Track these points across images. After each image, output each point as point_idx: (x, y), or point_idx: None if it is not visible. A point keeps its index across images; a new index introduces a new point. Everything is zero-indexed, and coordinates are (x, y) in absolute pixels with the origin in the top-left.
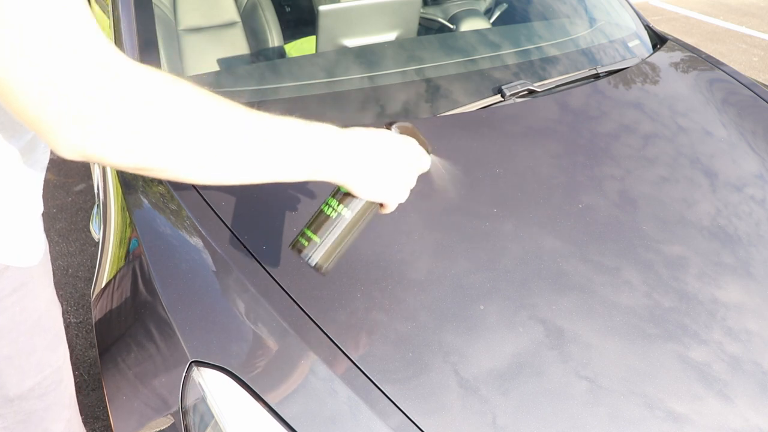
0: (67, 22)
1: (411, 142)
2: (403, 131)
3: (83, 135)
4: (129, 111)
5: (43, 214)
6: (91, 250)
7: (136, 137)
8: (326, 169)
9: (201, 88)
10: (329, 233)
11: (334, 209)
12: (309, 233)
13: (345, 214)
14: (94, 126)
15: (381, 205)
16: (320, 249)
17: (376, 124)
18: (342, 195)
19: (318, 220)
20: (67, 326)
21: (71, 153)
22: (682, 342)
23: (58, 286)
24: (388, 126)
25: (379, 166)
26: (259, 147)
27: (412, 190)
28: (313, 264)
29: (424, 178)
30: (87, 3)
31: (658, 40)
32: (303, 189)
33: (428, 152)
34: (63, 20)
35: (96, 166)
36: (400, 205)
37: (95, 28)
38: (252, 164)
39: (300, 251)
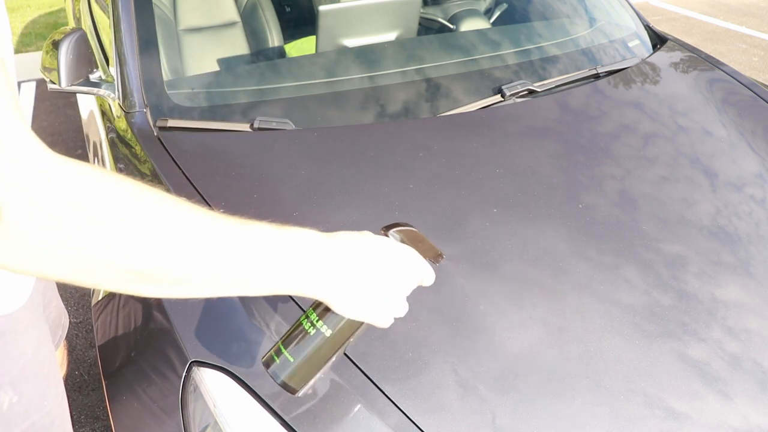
0: None
1: (411, 254)
2: (405, 237)
3: None
4: (46, 213)
5: None
6: None
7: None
8: (303, 285)
9: (145, 186)
10: (305, 352)
11: (313, 325)
12: (282, 349)
13: (325, 333)
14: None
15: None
16: (292, 369)
17: (376, 125)
18: (323, 309)
19: (294, 335)
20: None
21: None
22: (682, 340)
23: (59, 285)
24: (386, 230)
25: (368, 283)
26: (213, 259)
27: (409, 188)
28: (280, 383)
29: (427, 179)
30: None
31: (658, 40)
32: (303, 189)
33: (437, 260)
34: None
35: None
36: (401, 205)
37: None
38: (202, 278)
39: (268, 366)
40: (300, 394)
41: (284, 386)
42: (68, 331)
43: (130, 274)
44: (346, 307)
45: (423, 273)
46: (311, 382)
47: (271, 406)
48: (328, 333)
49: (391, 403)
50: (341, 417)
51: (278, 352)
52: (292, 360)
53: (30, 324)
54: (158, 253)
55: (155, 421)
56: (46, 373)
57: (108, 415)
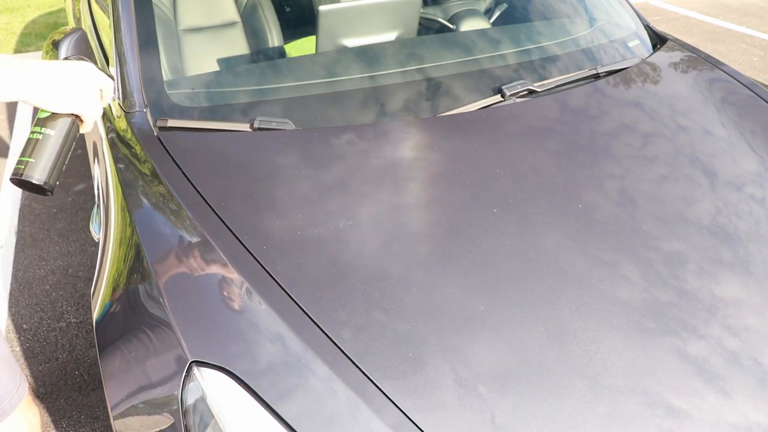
0: None
1: (87, 64)
2: (80, 59)
3: None
4: None
5: (42, 214)
6: (91, 250)
7: None
8: (14, 92)
9: None
10: (40, 153)
11: (38, 132)
12: (23, 159)
13: (48, 133)
14: None
15: (79, 120)
16: (37, 167)
17: (376, 125)
18: (42, 120)
19: (28, 146)
20: (67, 326)
21: None
22: (681, 338)
23: (59, 285)
24: (66, 58)
25: (60, 84)
26: None
27: (409, 188)
28: (35, 181)
29: (421, 179)
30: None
31: (658, 40)
32: (303, 190)
33: (111, 78)
34: None
35: (96, 166)
36: (401, 205)
37: None
38: None
39: (21, 175)
40: (49, 187)
41: (43, 185)
42: (68, 331)
43: None
44: (51, 103)
45: (100, 79)
46: (54, 176)
47: (271, 406)
48: (50, 133)
49: (391, 403)
50: (341, 416)
51: (21, 162)
52: (33, 161)
53: None
54: None
55: (155, 421)
56: None
57: (108, 415)
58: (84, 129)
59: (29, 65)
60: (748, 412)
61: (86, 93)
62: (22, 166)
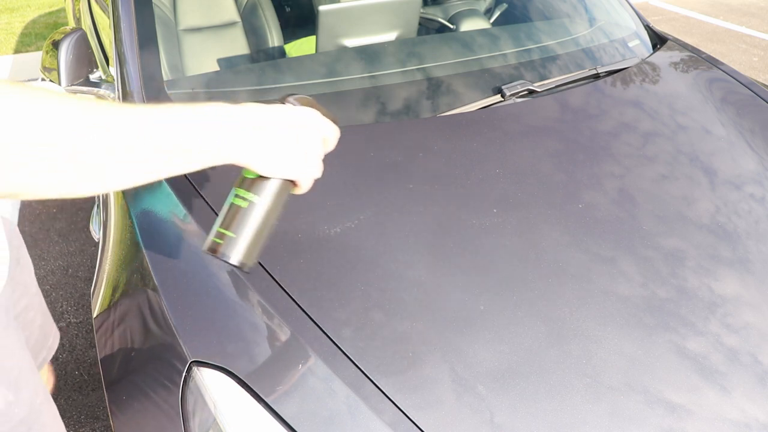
0: None
1: (311, 112)
2: (302, 103)
3: None
4: None
5: (42, 214)
6: (91, 250)
7: None
8: (224, 151)
9: (39, 87)
10: (244, 226)
11: (243, 199)
12: (222, 230)
13: (256, 201)
14: None
15: (294, 184)
16: (238, 245)
17: (376, 125)
18: (249, 182)
19: (229, 215)
20: (67, 326)
21: None
22: (681, 336)
23: (59, 285)
24: (283, 100)
25: (279, 140)
26: (133, 143)
27: (409, 188)
28: (234, 262)
29: (425, 177)
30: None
31: (658, 40)
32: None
33: (335, 122)
34: None
35: None
36: (401, 205)
37: None
38: (128, 165)
39: (215, 251)
40: (248, 268)
41: (239, 265)
42: (68, 331)
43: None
44: (267, 165)
45: (325, 129)
46: (256, 254)
47: (271, 406)
48: (258, 201)
49: (391, 403)
50: (341, 417)
51: (220, 236)
52: (234, 236)
53: None
54: (68, 148)
55: (155, 421)
56: (15, 378)
57: (108, 415)
58: (299, 191)
59: (240, 117)
60: (748, 409)
61: (313, 156)
62: (220, 241)
